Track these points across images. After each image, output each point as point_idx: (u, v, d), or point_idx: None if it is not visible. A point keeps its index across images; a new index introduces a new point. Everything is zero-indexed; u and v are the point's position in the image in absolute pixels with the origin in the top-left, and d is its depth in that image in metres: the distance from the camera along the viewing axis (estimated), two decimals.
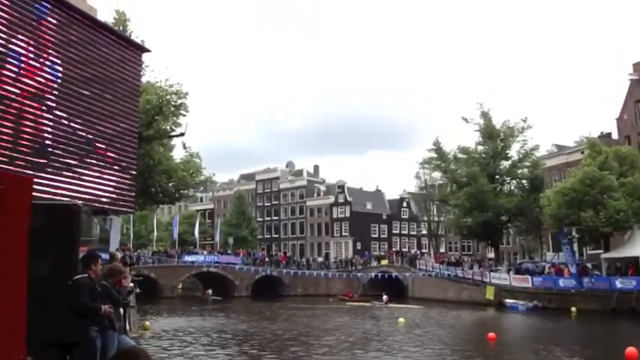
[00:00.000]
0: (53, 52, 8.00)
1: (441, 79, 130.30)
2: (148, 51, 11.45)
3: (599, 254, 34.14)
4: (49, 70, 7.90)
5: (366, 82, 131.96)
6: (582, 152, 37.53)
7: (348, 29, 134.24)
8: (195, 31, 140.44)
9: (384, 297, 36.95)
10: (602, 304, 28.84)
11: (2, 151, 6.93)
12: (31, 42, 7.55)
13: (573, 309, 29.25)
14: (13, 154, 7.12)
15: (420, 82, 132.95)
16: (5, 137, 7.01)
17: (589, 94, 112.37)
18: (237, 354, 16.57)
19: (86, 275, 6.07)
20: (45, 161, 7.76)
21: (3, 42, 7.10)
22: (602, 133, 43.78)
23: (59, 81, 8.11)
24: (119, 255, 10.57)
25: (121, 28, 19.75)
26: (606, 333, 21.99)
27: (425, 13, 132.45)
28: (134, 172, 10.29)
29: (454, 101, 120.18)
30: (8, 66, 7.14)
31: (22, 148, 7.31)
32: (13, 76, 7.22)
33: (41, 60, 7.76)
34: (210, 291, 44.03)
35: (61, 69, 8.15)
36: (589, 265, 34.48)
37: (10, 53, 7.17)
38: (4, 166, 6.74)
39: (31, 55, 7.55)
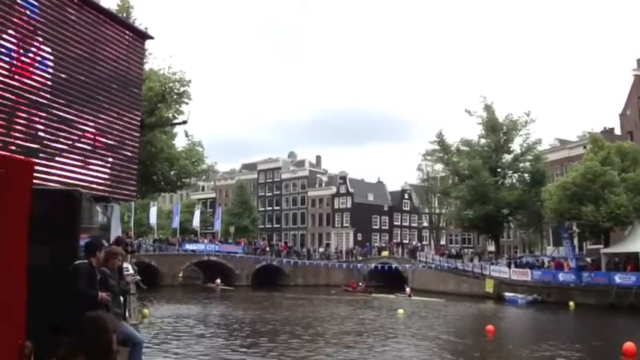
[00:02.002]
0: (53, 38, 7.93)
1: (443, 71, 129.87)
2: (151, 38, 11.41)
3: (599, 249, 34.16)
4: (49, 57, 7.85)
5: (367, 74, 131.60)
6: (584, 147, 37.44)
7: (351, 21, 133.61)
8: (198, 19, 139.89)
9: (407, 289, 37.15)
10: (601, 299, 28.93)
11: (2, 138, 6.90)
12: (29, 27, 7.47)
13: (571, 303, 29.31)
14: (15, 141, 7.10)
15: (421, 74, 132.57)
16: (3, 123, 6.99)
17: (592, 89, 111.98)
18: (235, 342, 16.62)
19: (86, 261, 6.07)
20: (46, 148, 7.74)
21: None
22: (604, 128, 43.73)
23: (60, 68, 8.07)
24: (128, 239, 10.59)
25: (124, 15, 19.61)
26: (604, 328, 22.02)
27: (428, 6, 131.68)
28: (136, 160, 10.29)
29: (455, 94, 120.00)
30: (3, 50, 7.07)
31: (21, 135, 7.29)
32: (9, 60, 7.15)
33: (40, 45, 7.69)
34: (219, 280, 43.31)
35: (63, 55, 8.10)
36: (588, 259, 34.55)
37: (5, 36, 7.10)
38: (4, 152, 6.71)
39: (28, 41, 7.47)
